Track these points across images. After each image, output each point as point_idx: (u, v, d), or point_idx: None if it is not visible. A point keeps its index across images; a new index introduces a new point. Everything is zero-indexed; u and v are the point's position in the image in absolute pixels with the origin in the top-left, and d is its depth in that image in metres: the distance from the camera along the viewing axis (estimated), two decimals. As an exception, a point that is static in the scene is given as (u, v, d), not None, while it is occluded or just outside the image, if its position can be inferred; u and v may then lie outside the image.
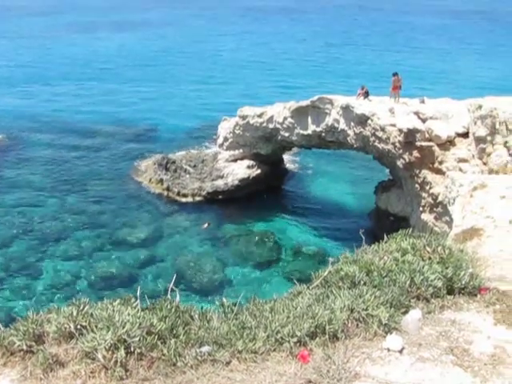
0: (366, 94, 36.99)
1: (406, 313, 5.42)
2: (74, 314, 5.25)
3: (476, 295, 6.02)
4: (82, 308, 5.35)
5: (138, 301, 5.74)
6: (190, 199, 43.15)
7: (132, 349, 4.86)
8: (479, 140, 29.25)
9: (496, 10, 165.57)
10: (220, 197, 43.36)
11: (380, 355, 4.87)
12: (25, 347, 5.04)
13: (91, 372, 4.72)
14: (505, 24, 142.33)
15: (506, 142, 26.11)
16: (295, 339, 5.02)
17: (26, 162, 49.50)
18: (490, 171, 26.85)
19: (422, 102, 35.84)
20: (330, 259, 6.56)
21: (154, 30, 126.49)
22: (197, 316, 5.66)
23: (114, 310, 5.25)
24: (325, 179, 47.20)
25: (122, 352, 4.78)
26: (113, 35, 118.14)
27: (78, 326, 5.14)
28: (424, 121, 33.58)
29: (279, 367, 4.78)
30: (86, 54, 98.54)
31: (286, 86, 73.97)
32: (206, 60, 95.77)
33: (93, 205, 41.49)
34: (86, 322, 5.17)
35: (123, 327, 4.93)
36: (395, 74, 35.98)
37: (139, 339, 4.91)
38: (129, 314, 5.19)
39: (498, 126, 27.27)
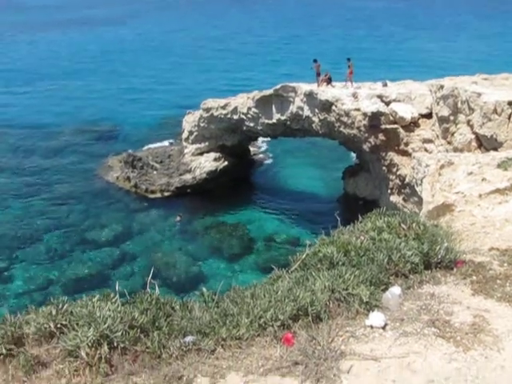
0: (329, 80, 37.12)
1: (385, 290, 5.45)
2: (54, 313, 5.16)
3: (452, 268, 6.09)
4: (61, 307, 5.26)
5: (117, 296, 5.67)
6: (158, 195, 42.85)
7: (115, 344, 4.79)
8: (442, 120, 29.62)
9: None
10: (188, 191, 43.16)
11: (364, 333, 4.91)
12: (4, 351, 4.93)
13: (75, 370, 4.64)
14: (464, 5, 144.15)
15: (469, 121, 26.47)
16: (278, 323, 5.01)
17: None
18: (455, 150, 27.20)
19: (385, 85, 36.16)
20: (308, 242, 6.56)
21: (103, 28, 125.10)
22: (178, 307, 5.61)
23: (94, 307, 5.17)
24: (292, 167, 47.30)
25: (106, 348, 4.72)
26: (60, 34, 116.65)
27: (59, 325, 5.05)
28: (387, 104, 33.87)
29: (264, 352, 4.78)
30: (34, 55, 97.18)
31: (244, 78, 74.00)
32: (160, 55, 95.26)
33: (60, 206, 40.89)
34: (66, 320, 5.09)
35: (105, 323, 4.86)
36: (349, 60, 36.39)
37: (122, 334, 4.84)
38: (109, 310, 5.11)
39: (460, 105, 27.63)
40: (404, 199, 33.53)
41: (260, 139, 48.67)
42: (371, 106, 33.53)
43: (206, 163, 44.74)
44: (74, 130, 56.30)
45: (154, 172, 45.79)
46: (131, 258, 34.84)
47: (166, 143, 52.04)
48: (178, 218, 39.46)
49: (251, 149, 49.60)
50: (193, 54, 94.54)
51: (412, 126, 33.00)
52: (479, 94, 25.67)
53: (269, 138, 47.38)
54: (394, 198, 34.13)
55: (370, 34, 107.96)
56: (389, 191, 34.60)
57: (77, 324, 4.97)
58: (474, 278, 5.85)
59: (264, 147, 51.86)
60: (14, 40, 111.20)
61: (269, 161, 49.81)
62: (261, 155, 50.76)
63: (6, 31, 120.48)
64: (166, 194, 42.97)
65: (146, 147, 50.86)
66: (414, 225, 6.43)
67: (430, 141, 31.56)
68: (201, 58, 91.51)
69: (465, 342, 4.70)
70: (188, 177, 44.05)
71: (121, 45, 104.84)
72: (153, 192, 43.05)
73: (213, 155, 45.28)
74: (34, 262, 34.29)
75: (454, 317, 5.06)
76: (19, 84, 76.35)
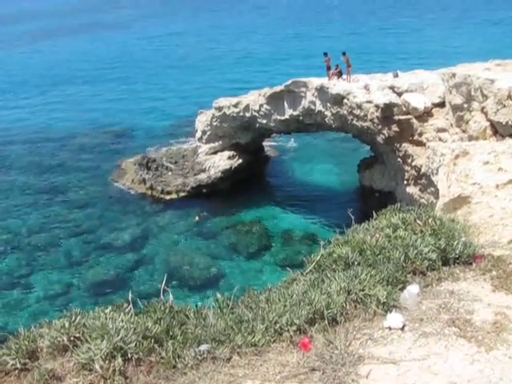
0: (340, 74, 36.86)
1: (403, 289, 5.33)
2: (67, 326, 5.11)
3: (471, 264, 5.95)
4: (73, 319, 5.20)
5: (131, 305, 5.60)
6: (174, 196, 42.87)
7: (129, 355, 4.73)
8: (456, 108, 29.27)
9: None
10: (204, 190, 43.10)
11: (382, 335, 4.79)
12: (19, 365, 4.88)
13: (90, 383, 4.59)
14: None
15: (483, 108, 26.13)
16: (294, 327, 4.92)
17: (3, 175, 48.95)
18: (470, 138, 26.86)
19: (396, 75, 35.80)
20: (322, 242, 6.45)
21: (110, 32, 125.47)
22: (192, 314, 5.53)
23: (106, 318, 5.11)
24: (306, 162, 47.12)
25: (120, 360, 4.65)
26: (69, 40, 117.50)
27: (72, 338, 5.00)
28: (400, 94, 33.56)
29: (281, 358, 4.68)
30: (44, 62, 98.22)
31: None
32: (166, 58, 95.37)
33: (77, 212, 41.08)
34: (79, 333, 5.03)
35: (118, 334, 4.79)
36: (344, 54, 36.14)
37: (135, 345, 4.78)
38: (122, 320, 5.05)
39: (473, 93, 27.27)
40: (421, 190, 33.23)
41: (273, 135, 48.50)
42: (383, 97, 33.27)
43: (221, 162, 44.70)
44: (87, 136, 56.50)
45: (169, 173, 45.83)
46: (150, 261, 34.93)
47: (179, 144, 52.02)
48: (197, 218, 39.48)
49: (265, 144, 49.44)
50: (202, 56, 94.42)
51: (425, 115, 32.67)
52: (492, 81, 25.31)
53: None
54: (411, 189, 33.84)
55: (378, 27, 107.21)
56: (405, 182, 34.31)
57: (90, 336, 4.91)
58: (494, 273, 5.70)
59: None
60: (22, 50, 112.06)
61: (283, 156, 49.64)
62: (275, 151, 50.57)
63: (14, 41, 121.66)
64: (182, 194, 42.96)
65: (159, 148, 50.93)
66: (429, 220, 6.29)
67: (444, 130, 31.22)
68: (210, 59, 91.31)
69: (487, 341, 4.56)
70: (203, 176, 44.04)
71: (130, 49, 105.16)
72: (168, 193, 43.08)
73: (227, 154, 45.23)
74: (54, 268, 34.53)
75: (474, 315, 4.93)
76: (30, 93, 77.01)
